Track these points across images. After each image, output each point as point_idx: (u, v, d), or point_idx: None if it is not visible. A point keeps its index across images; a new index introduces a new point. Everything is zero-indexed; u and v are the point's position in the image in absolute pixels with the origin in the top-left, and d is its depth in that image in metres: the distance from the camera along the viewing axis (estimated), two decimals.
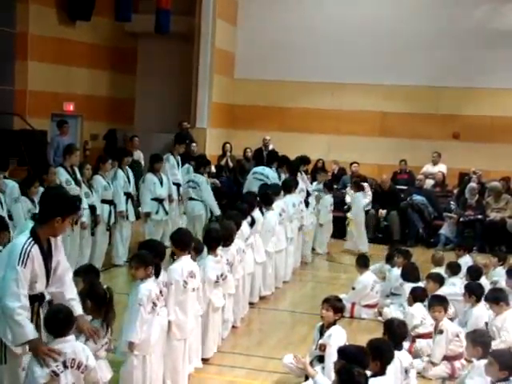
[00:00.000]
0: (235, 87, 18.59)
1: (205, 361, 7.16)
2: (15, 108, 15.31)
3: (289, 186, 11.16)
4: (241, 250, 8.15)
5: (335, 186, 14.56)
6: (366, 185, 15.43)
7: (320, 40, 17.80)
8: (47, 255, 5.04)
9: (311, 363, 6.65)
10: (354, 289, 9.41)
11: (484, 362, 5.93)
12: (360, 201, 13.77)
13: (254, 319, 9.14)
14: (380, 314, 9.20)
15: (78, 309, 5.18)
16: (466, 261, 10.16)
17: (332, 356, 6.14)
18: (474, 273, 9.05)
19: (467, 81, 17.01)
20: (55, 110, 16.32)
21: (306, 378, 6.54)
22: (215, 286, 7.23)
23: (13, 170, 11.15)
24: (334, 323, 6.64)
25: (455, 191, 15.76)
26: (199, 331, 6.93)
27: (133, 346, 5.72)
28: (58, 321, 4.82)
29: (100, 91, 17.80)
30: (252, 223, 9.01)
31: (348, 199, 15.11)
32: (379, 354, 5.56)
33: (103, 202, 10.82)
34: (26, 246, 4.86)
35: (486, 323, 7.77)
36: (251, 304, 9.32)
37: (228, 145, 16.88)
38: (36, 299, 5.01)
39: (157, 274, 5.91)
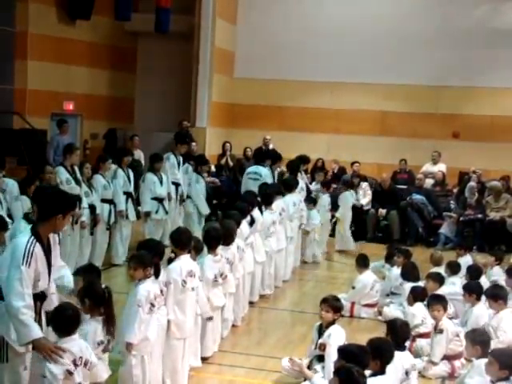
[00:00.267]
0: (235, 86, 18.59)
1: (204, 360, 7.17)
2: (15, 107, 15.30)
3: (289, 185, 11.16)
4: (240, 248, 8.16)
5: (334, 186, 14.52)
6: (365, 184, 15.47)
7: (320, 39, 17.79)
8: (48, 252, 5.07)
9: (311, 363, 6.66)
10: (353, 288, 9.41)
11: (483, 361, 5.92)
12: (348, 200, 13.75)
13: (254, 318, 9.14)
14: (380, 313, 9.21)
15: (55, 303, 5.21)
16: (466, 260, 10.16)
17: (332, 355, 6.14)
18: (474, 272, 9.06)
19: (467, 80, 17.00)
20: (55, 109, 16.31)
21: (306, 378, 6.56)
22: (214, 286, 7.23)
23: (13, 168, 11.16)
24: (333, 323, 6.65)
25: (455, 190, 15.76)
26: (198, 330, 6.93)
27: (131, 347, 5.72)
28: (65, 319, 4.84)
29: (100, 90, 17.79)
30: (251, 222, 9.01)
31: None
32: (379, 353, 5.56)
33: (103, 201, 10.81)
34: (29, 246, 4.88)
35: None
36: (251, 303, 9.33)
37: (228, 144, 16.88)
38: (38, 298, 5.03)
39: (156, 275, 5.90)
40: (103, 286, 5.39)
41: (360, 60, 17.49)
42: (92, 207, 10.47)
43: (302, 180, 12.52)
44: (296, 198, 11.24)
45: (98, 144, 17.35)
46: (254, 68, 18.28)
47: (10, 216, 8.76)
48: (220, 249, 7.42)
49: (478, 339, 6.35)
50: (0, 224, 7.31)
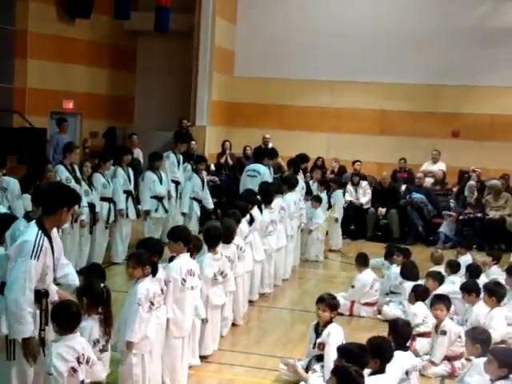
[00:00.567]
0: (235, 85, 18.58)
1: (204, 358, 7.17)
2: (15, 106, 15.30)
3: (290, 184, 11.16)
4: (239, 247, 8.15)
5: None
6: (365, 183, 15.46)
7: (319, 38, 17.78)
8: (53, 246, 5.13)
9: (309, 363, 6.64)
10: (353, 287, 9.41)
11: (483, 359, 5.92)
12: (340, 198, 13.73)
13: (254, 317, 9.14)
14: (379, 312, 9.21)
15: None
16: (466, 259, 10.17)
17: (331, 355, 6.14)
18: (474, 271, 9.06)
19: (467, 79, 16.99)
20: (55, 108, 16.30)
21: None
22: (214, 284, 7.23)
23: (13, 167, 11.16)
24: (330, 321, 6.63)
25: (455, 189, 15.75)
26: (196, 329, 6.92)
27: (131, 346, 5.72)
28: (71, 316, 4.88)
29: (99, 89, 17.79)
30: (251, 221, 9.01)
31: (347, 197, 15.13)
32: (379, 352, 5.56)
33: (102, 199, 10.81)
34: (38, 239, 4.95)
35: None
36: (251, 302, 9.33)
37: (227, 143, 16.86)
38: (42, 295, 5.06)
39: (154, 273, 5.90)
40: (102, 285, 5.40)
41: (360, 59, 17.47)
42: (92, 206, 10.48)
43: (302, 179, 12.51)
44: (296, 196, 11.24)
45: (98, 143, 17.35)
46: (254, 67, 18.27)
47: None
48: (220, 247, 7.42)
49: (479, 338, 6.34)
50: (5, 224, 7.29)
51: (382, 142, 17.58)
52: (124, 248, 11.34)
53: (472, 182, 14.97)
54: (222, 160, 16.68)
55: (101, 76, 17.77)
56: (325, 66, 17.71)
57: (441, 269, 9.43)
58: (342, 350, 5.52)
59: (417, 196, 15.00)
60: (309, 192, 12.63)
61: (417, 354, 7.29)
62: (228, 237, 7.67)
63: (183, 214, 12.31)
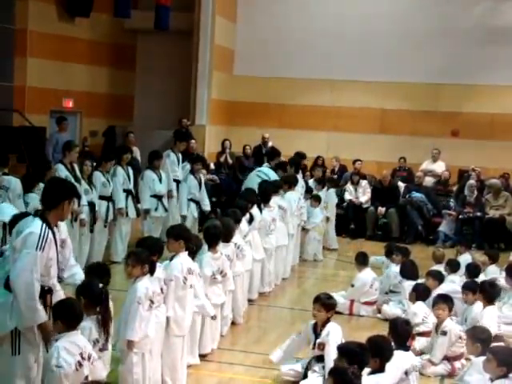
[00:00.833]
0: (234, 84, 18.58)
1: (203, 357, 7.17)
2: (14, 104, 15.30)
3: (290, 183, 11.16)
4: (237, 245, 8.15)
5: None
6: (364, 182, 15.46)
7: (319, 37, 17.78)
8: (56, 240, 5.20)
9: (309, 363, 6.63)
10: (353, 286, 9.41)
11: (483, 358, 5.92)
12: (333, 198, 13.73)
13: (254, 316, 9.14)
14: (379, 311, 9.21)
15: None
16: (465, 258, 10.16)
17: (332, 354, 6.13)
18: (473, 270, 9.06)
19: (467, 78, 16.99)
20: (54, 107, 16.30)
21: (305, 376, 6.54)
22: (212, 283, 7.22)
23: (12, 166, 11.15)
24: (328, 320, 6.62)
25: (454, 188, 15.75)
26: (195, 327, 6.92)
27: (132, 344, 5.71)
28: (75, 313, 4.92)
29: (99, 88, 17.78)
30: (250, 220, 9.01)
31: (347, 196, 15.13)
32: (379, 351, 5.57)
33: (101, 198, 10.80)
34: (43, 232, 5.03)
35: None
36: (250, 301, 9.32)
37: (227, 142, 16.86)
38: (47, 292, 5.11)
39: (151, 272, 5.90)
40: (100, 285, 5.40)
41: (360, 58, 17.48)
42: (91, 205, 10.47)
43: (301, 178, 12.51)
44: (296, 195, 11.24)
45: (97, 141, 17.35)
46: (254, 66, 18.27)
47: None
48: (220, 246, 7.42)
49: (479, 337, 6.34)
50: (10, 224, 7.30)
51: (381, 141, 17.58)
52: (123, 247, 11.32)
53: (472, 181, 14.97)
54: (222, 159, 16.68)
55: (100, 74, 17.77)
56: (325, 65, 17.70)
57: (441, 267, 9.43)
58: (343, 349, 5.51)
59: (416, 195, 15.00)
60: (308, 191, 12.62)
61: (416, 354, 7.30)
62: (227, 236, 7.67)
63: (182, 217, 12.17)
